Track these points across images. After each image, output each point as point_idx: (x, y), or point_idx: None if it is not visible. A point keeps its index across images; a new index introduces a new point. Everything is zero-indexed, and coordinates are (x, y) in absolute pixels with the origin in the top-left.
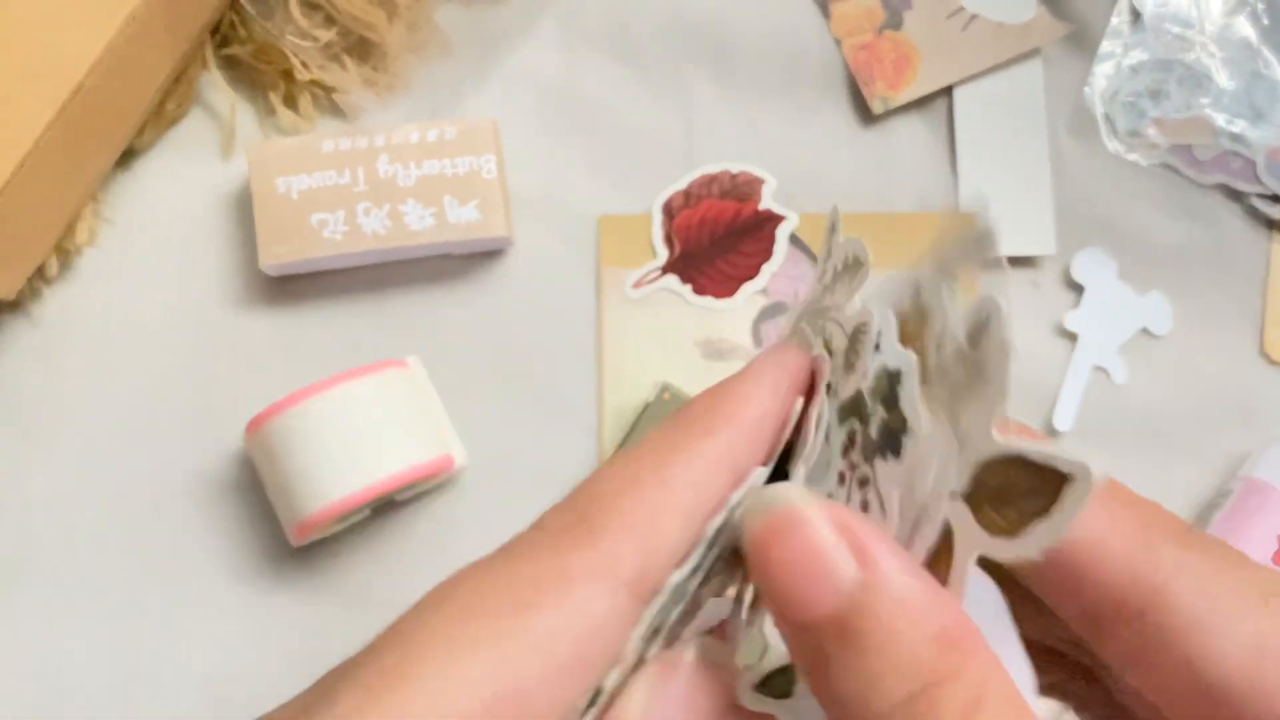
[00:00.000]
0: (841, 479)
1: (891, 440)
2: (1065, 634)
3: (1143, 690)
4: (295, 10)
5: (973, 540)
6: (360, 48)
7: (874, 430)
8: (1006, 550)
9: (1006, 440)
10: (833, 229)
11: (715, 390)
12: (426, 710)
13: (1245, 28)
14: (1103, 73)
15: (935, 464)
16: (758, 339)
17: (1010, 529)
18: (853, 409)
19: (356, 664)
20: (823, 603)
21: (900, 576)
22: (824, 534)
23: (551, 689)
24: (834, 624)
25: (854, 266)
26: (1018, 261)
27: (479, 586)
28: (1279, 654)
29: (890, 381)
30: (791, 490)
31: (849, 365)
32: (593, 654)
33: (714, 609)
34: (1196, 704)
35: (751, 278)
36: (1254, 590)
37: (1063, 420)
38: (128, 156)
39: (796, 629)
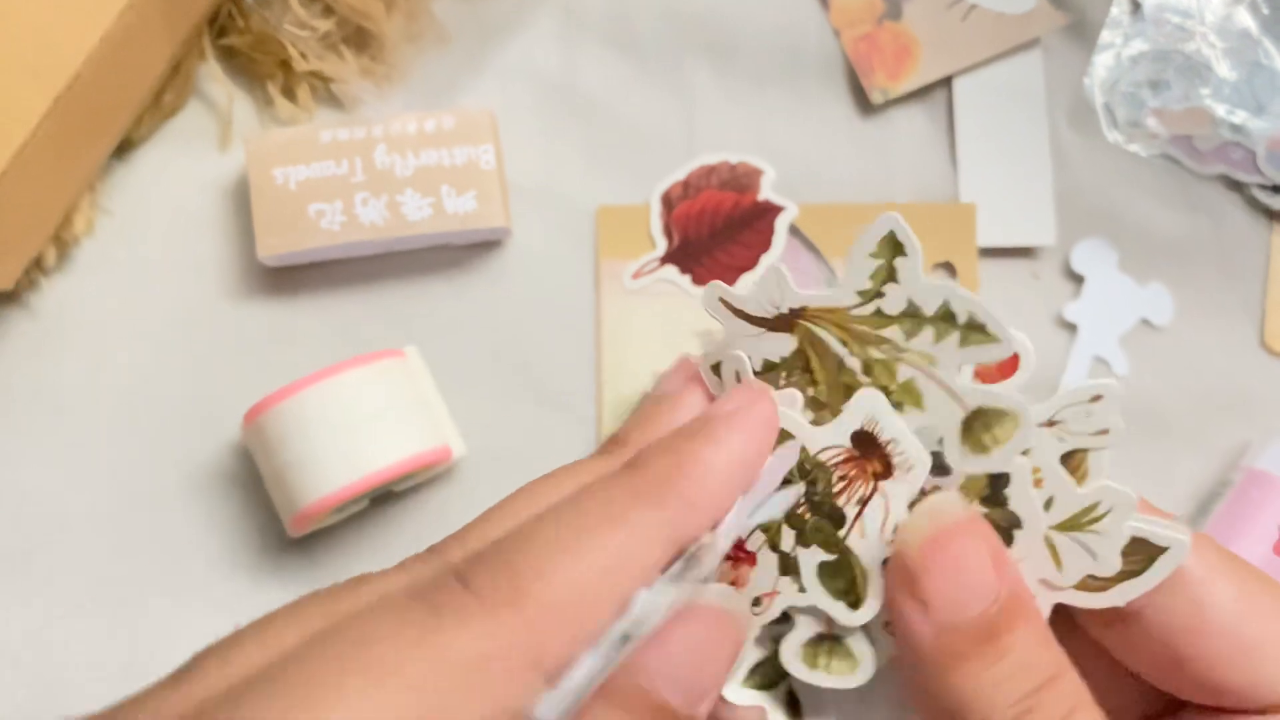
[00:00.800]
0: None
1: (1002, 533)
2: None
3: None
4: (293, 0)
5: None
6: (358, 38)
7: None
8: (1093, 601)
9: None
10: (899, 248)
11: (677, 449)
12: None
13: (1245, 18)
14: (1103, 63)
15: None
16: None
17: (1102, 586)
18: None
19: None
20: (975, 604)
21: (1032, 599)
22: (974, 544)
23: None
24: (981, 628)
25: (972, 329)
26: (1018, 252)
27: (397, 648)
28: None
29: (994, 482)
30: (959, 503)
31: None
32: None
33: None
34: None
35: (750, 268)
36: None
37: None
38: (125, 147)
39: (941, 629)
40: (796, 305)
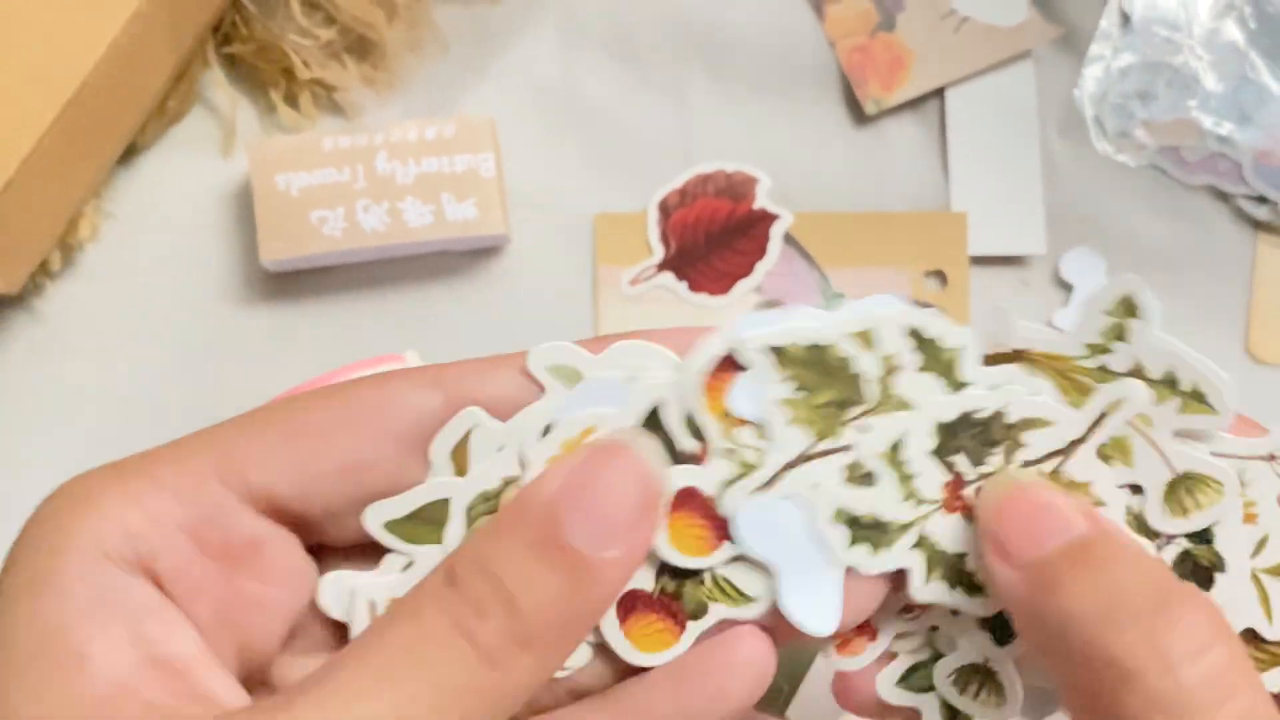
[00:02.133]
0: None
1: (1201, 573)
2: None
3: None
4: (296, 9)
5: None
6: (360, 46)
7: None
8: None
9: None
10: (1135, 310)
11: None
12: None
13: (1233, 31)
14: (1092, 75)
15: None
16: None
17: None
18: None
19: None
20: (1056, 538)
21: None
22: (1053, 494)
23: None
24: (1071, 551)
25: (1195, 398)
26: (1008, 260)
27: None
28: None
29: (1203, 536)
30: (1020, 470)
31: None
32: None
33: None
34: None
35: (746, 275)
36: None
37: None
38: (130, 153)
39: (1023, 567)
40: (1020, 346)
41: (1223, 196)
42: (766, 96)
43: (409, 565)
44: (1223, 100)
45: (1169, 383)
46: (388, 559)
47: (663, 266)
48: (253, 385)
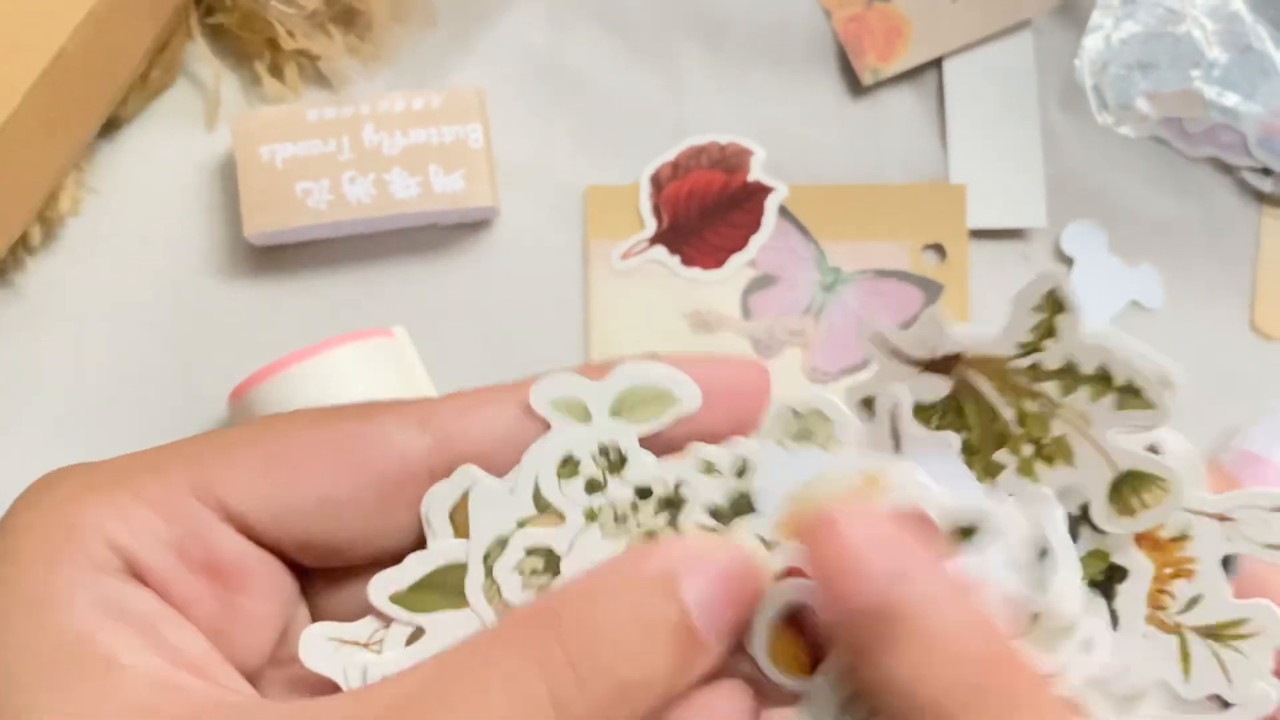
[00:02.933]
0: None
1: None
2: None
3: None
4: None
5: None
6: (346, 16)
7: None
8: None
9: None
10: (1061, 306)
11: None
12: None
13: (1236, 1)
14: (1093, 45)
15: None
16: (746, 310)
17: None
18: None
19: None
20: (862, 595)
21: (933, 579)
22: (858, 534)
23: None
24: (873, 615)
25: (1130, 393)
26: (1008, 234)
27: None
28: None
29: (1112, 572)
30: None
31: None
32: None
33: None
34: None
35: (740, 249)
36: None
37: None
38: (111, 125)
39: (844, 619)
40: (953, 351)
41: (1226, 169)
42: (761, 67)
43: (415, 637)
44: (1226, 71)
45: (1103, 378)
46: (369, 619)
47: (655, 240)
48: (237, 361)
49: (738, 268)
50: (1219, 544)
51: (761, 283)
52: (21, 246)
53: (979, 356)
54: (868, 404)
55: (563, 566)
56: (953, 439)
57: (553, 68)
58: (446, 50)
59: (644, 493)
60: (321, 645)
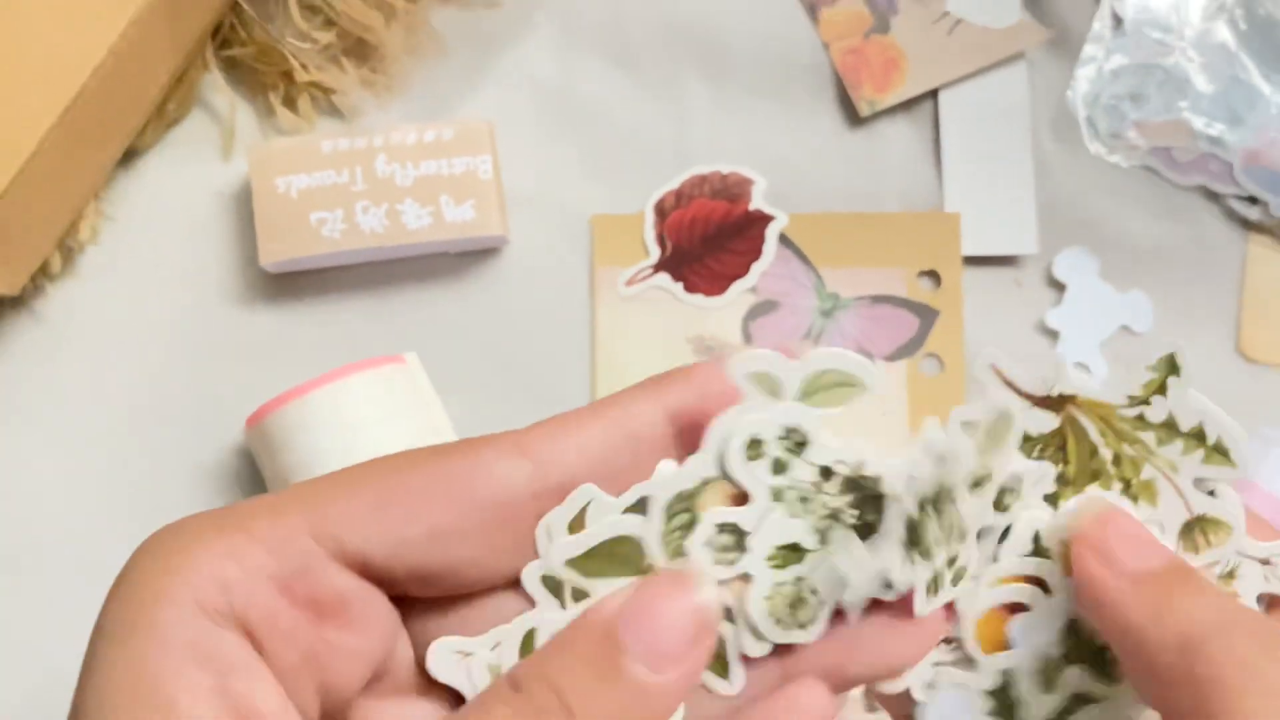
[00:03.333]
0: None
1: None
2: None
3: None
4: (295, 13)
5: None
6: (358, 50)
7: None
8: None
9: None
10: (1176, 370)
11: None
12: None
13: (1224, 32)
14: (1085, 76)
15: None
16: (747, 335)
17: None
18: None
19: None
20: (1160, 557)
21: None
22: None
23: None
24: (1177, 570)
25: (1218, 451)
26: (1001, 260)
27: None
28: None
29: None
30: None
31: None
32: None
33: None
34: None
35: (742, 276)
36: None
37: None
38: (130, 156)
39: (1131, 576)
40: (1069, 392)
41: (1214, 197)
42: (761, 99)
43: (531, 638)
44: (1214, 101)
45: (1197, 436)
46: (491, 633)
47: (659, 267)
48: (253, 386)
49: (739, 294)
50: (1259, 583)
51: (762, 309)
52: (42, 274)
53: (1091, 401)
54: (969, 426)
55: (749, 544)
56: (1050, 469)
57: (560, 99)
58: (457, 82)
59: (826, 472)
60: (447, 657)
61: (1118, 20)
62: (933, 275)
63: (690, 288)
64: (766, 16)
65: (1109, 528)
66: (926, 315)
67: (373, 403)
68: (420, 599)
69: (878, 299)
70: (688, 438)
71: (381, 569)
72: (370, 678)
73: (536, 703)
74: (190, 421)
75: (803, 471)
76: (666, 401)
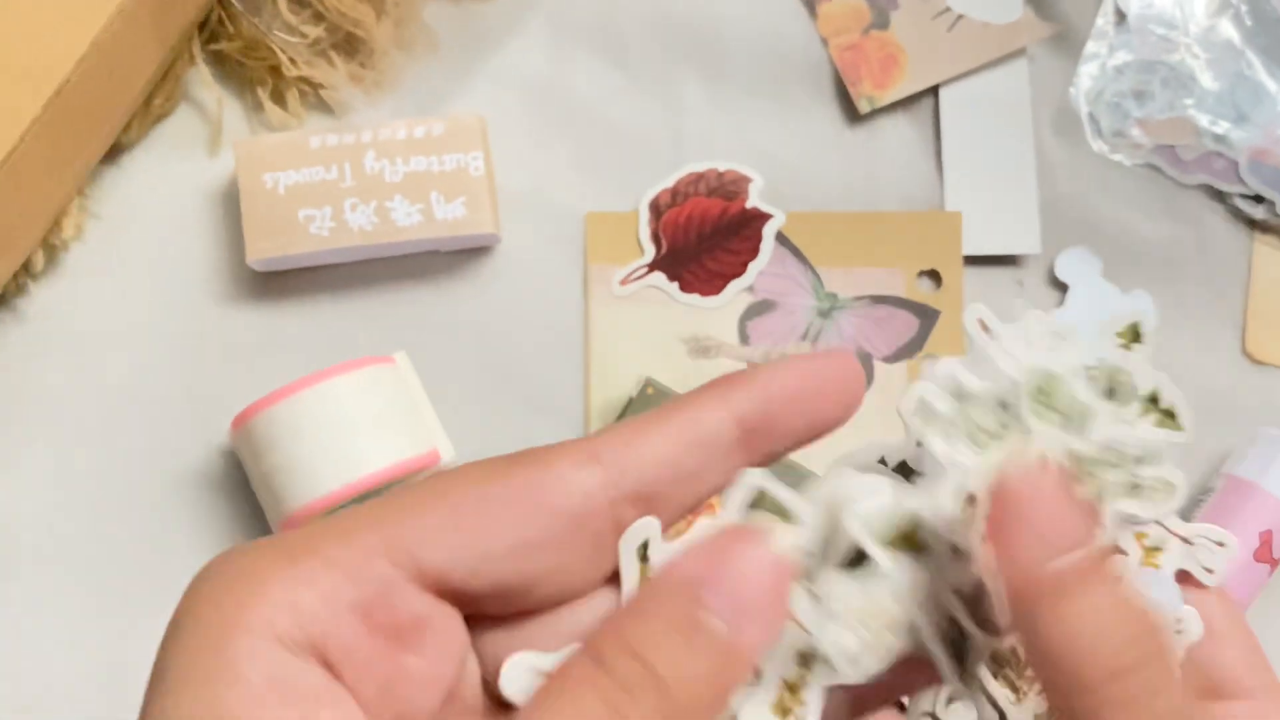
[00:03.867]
0: None
1: None
2: None
3: None
4: (283, 6)
5: None
6: (348, 44)
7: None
8: None
9: None
10: (1139, 336)
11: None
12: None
13: (1229, 29)
14: (1088, 73)
15: None
16: (743, 335)
17: None
18: None
19: None
20: (1064, 548)
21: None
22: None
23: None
24: (1078, 569)
25: (1169, 415)
26: (1003, 260)
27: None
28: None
29: None
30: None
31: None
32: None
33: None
34: None
35: (738, 275)
36: None
37: None
38: (115, 152)
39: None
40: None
41: (1219, 195)
42: (759, 95)
43: None
44: (1219, 98)
45: (1152, 399)
46: (568, 650)
47: (654, 266)
48: (239, 385)
49: (736, 294)
50: (1179, 559)
51: (759, 308)
52: (25, 272)
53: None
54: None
55: None
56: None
57: (554, 95)
58: (448, 78)
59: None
60: (521, 674)
61: (1121, 16)
62: (933, 275)
63: (686, 287)
64: (764, 11)
65: (1022, 505)
66: (927, 316)
67: (361, 403)
68: (488, 616)
69: (877, 299)
70: (751, 440)
71: (460, 587)
72: (442, 704)
73: (624, 678)
74: (175, 422)
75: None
76: (732, 405)
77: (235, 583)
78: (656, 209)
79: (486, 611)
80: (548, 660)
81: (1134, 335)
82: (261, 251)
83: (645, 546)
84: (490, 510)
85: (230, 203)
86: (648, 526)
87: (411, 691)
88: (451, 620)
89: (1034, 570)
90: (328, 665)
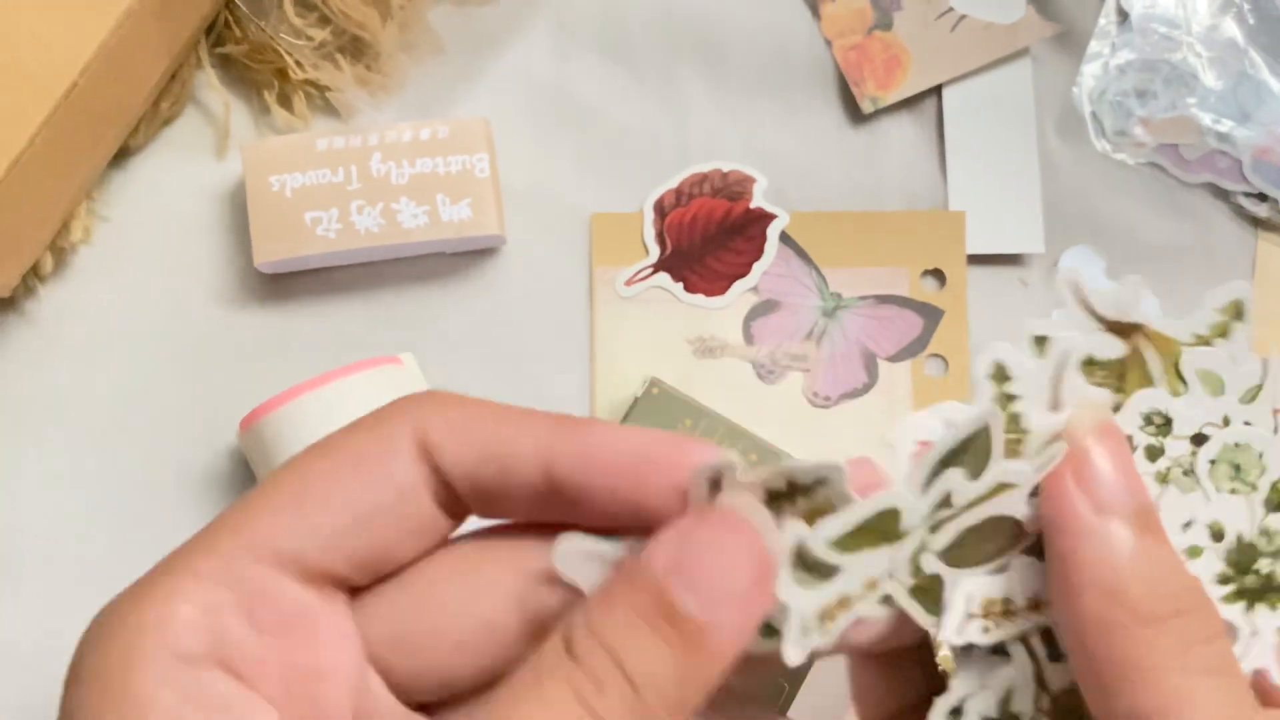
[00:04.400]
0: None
1: None
2: None
3: None
4: (289, 10)
5: None
6: (354, 47)
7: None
8: None
9: None
10: (1241, 314)
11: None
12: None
13: (1232, 28)
14: (1091, 72)
15: None
16: (748, 336)
17: None
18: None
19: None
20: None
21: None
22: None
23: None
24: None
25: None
26: (1006, 259)
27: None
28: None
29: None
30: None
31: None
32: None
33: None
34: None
35: (743, 276)
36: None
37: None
38: (123, 155)
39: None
40: (1140, 320)
41: (1222, 194)
42: (762, 96)
43: None
44: (1222, 97)
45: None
46: (625, 541)
47: (658, 267)
48: (247, 387)
49: (740, 294)
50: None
51: (763, 309)
52: (33, 274)
53: (1159, 334)
54: (1040, 342)
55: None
56: (1106, 397)
57: (558, 97)
58: (453, 80)
59: (1198, 439)
60: (574, 556)
61: (1124, 15)
62: (937, 274)
63: (690, 287)
64: (768, 13)
65: (1095, 451)
66: (931, 315)
67: (369, 404)
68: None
69: (881, 299)
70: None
71: (327, 568)
72: (357, 695)
73: (591, 667)
74: (183, 424)
75: (1177, 447)
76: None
77: (122, 622)
78: (661, 210)
79: (359, 584)
80: (606, 547)
81: (1236, 313)
82: (269, 253)
83: (718, 480)
84: (323, 487)
85: (237, 205)
86: (721, 459)
87: (317, 686)
88: (337, 609)
89: (1120, 500)
90: (231, 671)
